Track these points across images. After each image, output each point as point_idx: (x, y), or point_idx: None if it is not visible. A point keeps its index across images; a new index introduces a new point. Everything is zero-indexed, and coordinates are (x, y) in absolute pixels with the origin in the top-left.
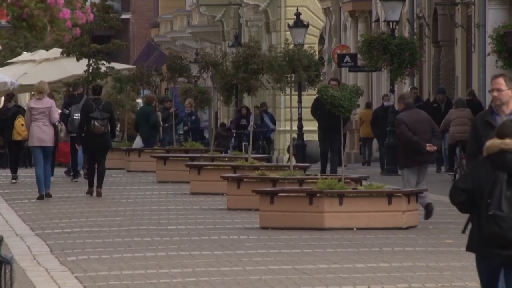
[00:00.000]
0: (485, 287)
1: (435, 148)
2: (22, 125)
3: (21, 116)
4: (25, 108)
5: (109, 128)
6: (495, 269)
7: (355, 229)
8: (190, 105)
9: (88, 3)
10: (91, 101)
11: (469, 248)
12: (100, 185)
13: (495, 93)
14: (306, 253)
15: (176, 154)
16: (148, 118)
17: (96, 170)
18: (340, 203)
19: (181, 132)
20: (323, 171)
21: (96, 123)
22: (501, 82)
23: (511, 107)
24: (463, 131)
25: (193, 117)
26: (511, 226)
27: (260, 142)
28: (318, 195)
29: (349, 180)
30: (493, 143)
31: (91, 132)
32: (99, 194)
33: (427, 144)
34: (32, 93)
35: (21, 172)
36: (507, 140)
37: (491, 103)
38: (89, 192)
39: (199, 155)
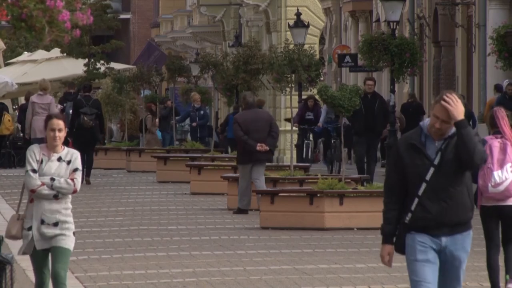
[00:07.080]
0: None
1: (266, 148)
2: (9, 120)
3: (5, 112)
4: (7, 105)
5: (98, 123)
6: None
7: (355, 229)
8: (198, 99)
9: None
10: (82, 98)
11: None
12: (88, 174)
13: (437, 125)
14: (307, 253)
15: (177, 154)
16: None
17: (85, 161)
18: (341, 203)
19: (185, 129)
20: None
21: (85, 117)
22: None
23: (449, 132)
24: None
25: (202, 112)
26: None
27: (333, 141)
28: (318, 195)
29: (349, 180)
30: None
31: (81, 125)
32: (88, 182)
33: (258, 144)
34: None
35: (21, 172)
36: None
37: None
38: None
39: (199, 155)
